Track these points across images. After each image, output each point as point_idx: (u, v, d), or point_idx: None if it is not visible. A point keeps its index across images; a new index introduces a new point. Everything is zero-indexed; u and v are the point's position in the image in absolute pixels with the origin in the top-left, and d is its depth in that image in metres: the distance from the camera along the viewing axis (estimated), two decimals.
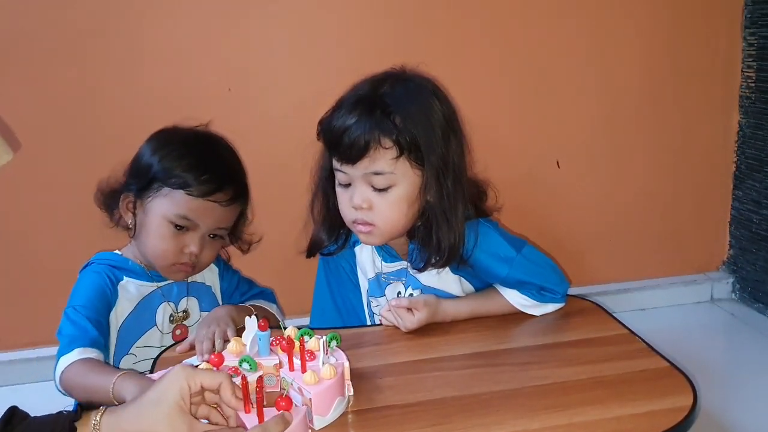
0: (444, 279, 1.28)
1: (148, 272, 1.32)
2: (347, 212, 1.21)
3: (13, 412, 0.87)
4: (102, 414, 0.85)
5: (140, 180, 1.28)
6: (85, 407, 0.88)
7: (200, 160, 1.27)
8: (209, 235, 1.29)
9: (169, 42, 1.86)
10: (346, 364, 0.99)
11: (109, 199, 1.34)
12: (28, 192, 1.87)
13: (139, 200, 1.29)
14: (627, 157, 2.18)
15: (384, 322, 1.25)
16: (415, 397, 1.00)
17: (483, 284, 1.31)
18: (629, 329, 1.19)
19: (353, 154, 1.14)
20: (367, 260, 1.35)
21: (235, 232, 1.40)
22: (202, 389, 0.87)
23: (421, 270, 1.25)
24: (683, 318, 2.24)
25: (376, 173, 1.15)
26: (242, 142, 1.95)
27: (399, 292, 1.32)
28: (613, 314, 1.26)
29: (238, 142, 1.95)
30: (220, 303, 1.42)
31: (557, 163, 2.12)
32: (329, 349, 1.00)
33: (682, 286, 2.31)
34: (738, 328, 2.19)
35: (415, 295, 1.29)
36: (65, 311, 1.24)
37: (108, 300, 1.27)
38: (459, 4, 1.97)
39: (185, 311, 1.36)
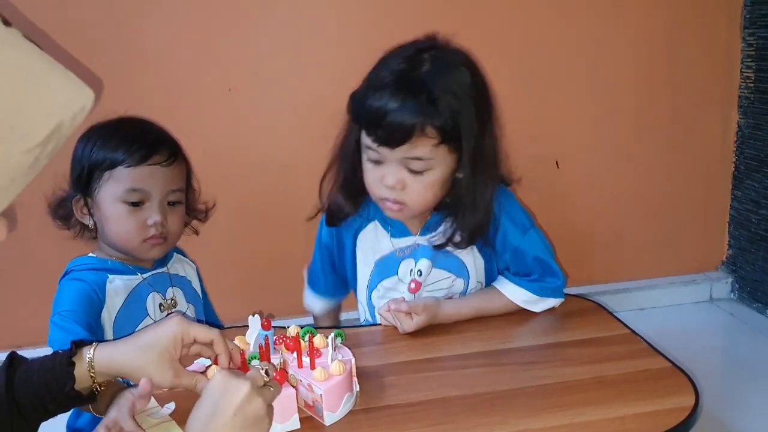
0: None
1: (129, 266, 1.32)
2: (376, 189, 1.18)
3: (13, 356, 0.92)
4: (95, 349, 0.90)
5: (81, 178, 1.28)
6: (80, 345, 0.92)
7: (126, 134, 1.27)
8: (168, 203, 1.28)
9: (170, 42, 1.85)
10: (353, 360, 0.99)
11: (62, 210, 1.33)
12: (28, 191, 1.87)
13: (89, 198, 1.28)
14: (626, 158, 2.18)
15: (383, 321, 1.25)
16: (418, 397, 1.00)
17: (491, 263, 1.31)
18: (631, 329, 1.19)
19: (394, 138, 1.10)
20: (372, 242, 1.32)
21: (188, 203, 1.39)
22: (194, 342, 0.93)
23: (440, 247, 1.24)
24: (682, 318, 2.24)
25: (416, 158, 1.13)
26: (242, 142, 1.97)
27: (411, 270, 1.29)
28: (615, 314, 1.27)
29: (237, 142, 1.96)
30: (200, 296, 1.44)
31: (557, 163, 2.12)
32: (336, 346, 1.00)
33: (681, 286, 2.31)
34: (737, 328, 2.20)
35: (424, 269, 1.28)
36: (51, 320, 1.22)
37: (95, 303, 1.25)
38: (458, 5, 1.98)
39: (173, 299, 1.36)
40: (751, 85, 2.15)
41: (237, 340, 1.02)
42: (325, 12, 1.92)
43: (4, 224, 0.53)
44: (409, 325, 1.19)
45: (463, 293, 1.32)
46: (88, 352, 0.90)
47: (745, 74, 2.17)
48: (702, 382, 1.03)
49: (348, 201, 1.27)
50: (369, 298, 1.35)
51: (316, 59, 1.93)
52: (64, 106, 0.45)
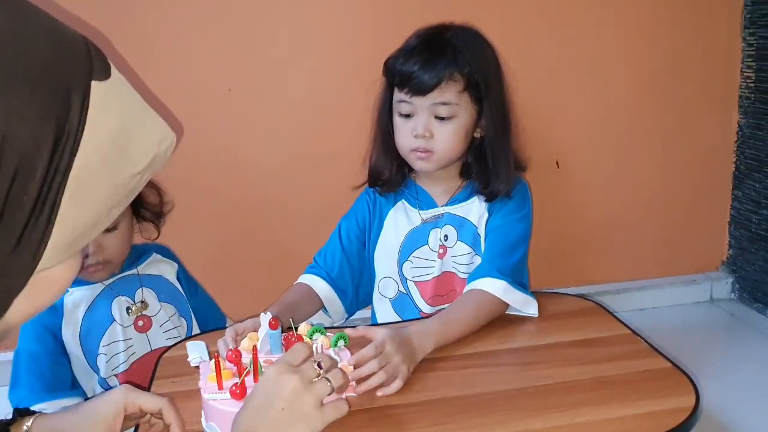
0: (483, 217, 1.33)
1: None
2: (407, 141, 1.27)
3: None
4: (35, 419, 0.86)
5: None
6: (23, 413, 0.88)
7: None
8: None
9: (169, 42, 1.85)
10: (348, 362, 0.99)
11: None
12: None
13: None
14: (626, 158, 2.18)
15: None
16: (416, 397, 1.00)
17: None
18: (631, 329, 1.19)
19: (425, 87, 1.22)
20: (401, 217, 1.37)
21: (140, 211, 1.37)
22: (141, 412, 0.88)
23: (489, 198, 1.31)
24: (683, 318, 2.24)
25: (443, 103, 1.24)
26: (242, 141, 1.96)
27: (439, 237, 1.34)
28: (615, 314, 1.26)
29: (237, 142, 1.96)
30: (182, 293, 1.42)
31: (557, 163, 2.12)
32: (336, 349, 1.00)
33: (681, 286, 2.31)
34: (737, 328, 2.20)
35: (450, 234, 1.33)
36: (16, 352, 1.27)
37: (48, 330, 1.29)
38: (458, 5, 1.97)
39: (143, 302, 1.36)
40: (752, 84, 2.15)
41: (248, 338, 1.03)
42: (325, 12, 1.92)
43: (77, 262, 0.53)
44: (397, 385, 1.02)
45: None
46: (27, 423, 0.86)
47: (745, 74, 2.17)
48: (702, 382, 1.03)
49: (386, 161, 1.35)
50: (400, 270, 1.37)
51: (316, 59, 1.93)
52: (159, 141, 0.55)
